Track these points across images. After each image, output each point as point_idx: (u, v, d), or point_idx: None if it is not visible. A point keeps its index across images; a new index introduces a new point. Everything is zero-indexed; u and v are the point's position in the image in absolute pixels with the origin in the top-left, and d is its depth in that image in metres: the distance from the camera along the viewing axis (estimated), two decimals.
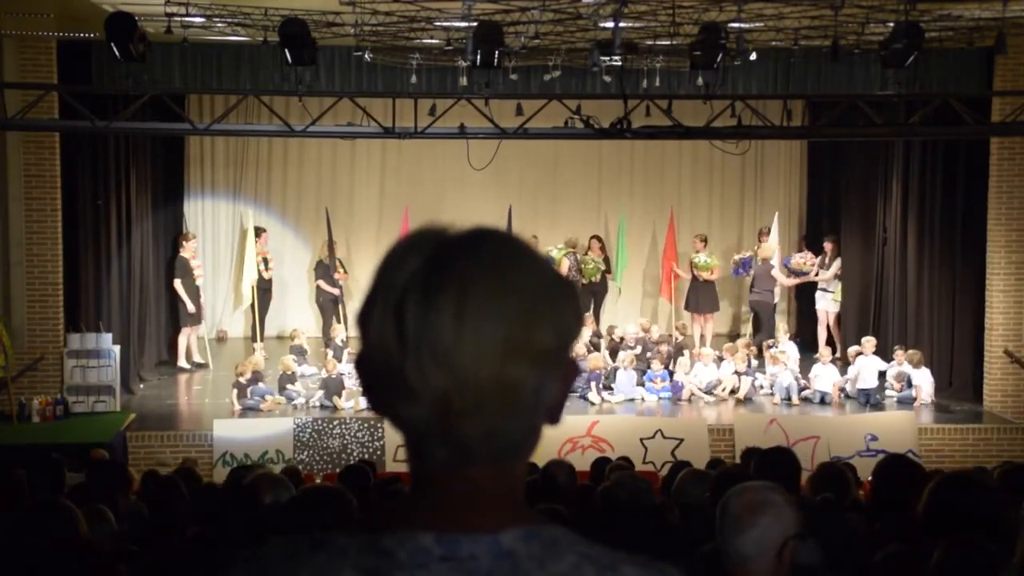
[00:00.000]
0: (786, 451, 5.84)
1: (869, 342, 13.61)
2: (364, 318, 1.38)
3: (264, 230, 16.28)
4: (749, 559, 3.03)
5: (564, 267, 15.86)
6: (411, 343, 1.33)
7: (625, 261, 16.55)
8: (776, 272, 15.55)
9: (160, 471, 8.46)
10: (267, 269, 15.92)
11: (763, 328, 15.41)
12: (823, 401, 13.26)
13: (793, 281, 15.98)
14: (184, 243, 15.25)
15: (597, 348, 14.59)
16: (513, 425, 1.37)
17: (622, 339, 14.59)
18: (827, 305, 15.89)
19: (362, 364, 1.40)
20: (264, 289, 15.93)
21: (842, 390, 13.48)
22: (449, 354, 1.32)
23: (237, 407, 12.85)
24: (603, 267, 16.28)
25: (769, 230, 16.16)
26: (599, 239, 16.47)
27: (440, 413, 1.34)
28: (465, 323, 1.33)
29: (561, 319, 1.38)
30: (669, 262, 16.54)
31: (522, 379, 1.35)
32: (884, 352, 14.17)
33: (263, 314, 16.03)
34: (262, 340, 15.86)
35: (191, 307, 14.96)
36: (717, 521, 3.10)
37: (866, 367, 13.28)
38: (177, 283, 15.01)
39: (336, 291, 15.82)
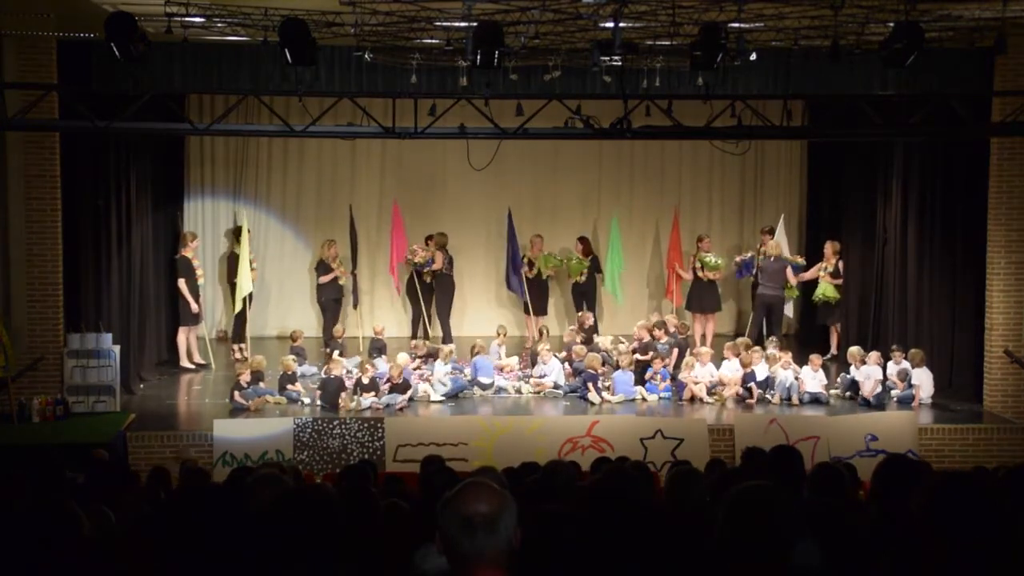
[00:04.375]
0: (792, 450, 5.84)
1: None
2: None
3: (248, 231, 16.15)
4: (764, 559, 3.04)
5: (439, 260, 15.99)
6: None
7: (620, 266, 16.42)
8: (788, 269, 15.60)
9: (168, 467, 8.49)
10: (252, 271, 15.81)
11: (775, 323, 15.46)
12: (817, 402, 13.26)
13: (802, 277, 15.94)
14: (187, 243, 15.24)
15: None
16: None
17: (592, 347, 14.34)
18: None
19: None
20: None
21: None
22: None
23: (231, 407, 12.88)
24: (587, 267, 16.24)
25: (772, 230, 16.16)
26: (584, 240, 16.48)
27: None
28: None
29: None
30: (673, 263, 16.54)
31: None
32: (883, 353, 14.17)
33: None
34: (243, 341, 15.85)
35: (194, 307, 14.95)
36: (726, 521, 3.09)
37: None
38: (181, 283, 15.00)
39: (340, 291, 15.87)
